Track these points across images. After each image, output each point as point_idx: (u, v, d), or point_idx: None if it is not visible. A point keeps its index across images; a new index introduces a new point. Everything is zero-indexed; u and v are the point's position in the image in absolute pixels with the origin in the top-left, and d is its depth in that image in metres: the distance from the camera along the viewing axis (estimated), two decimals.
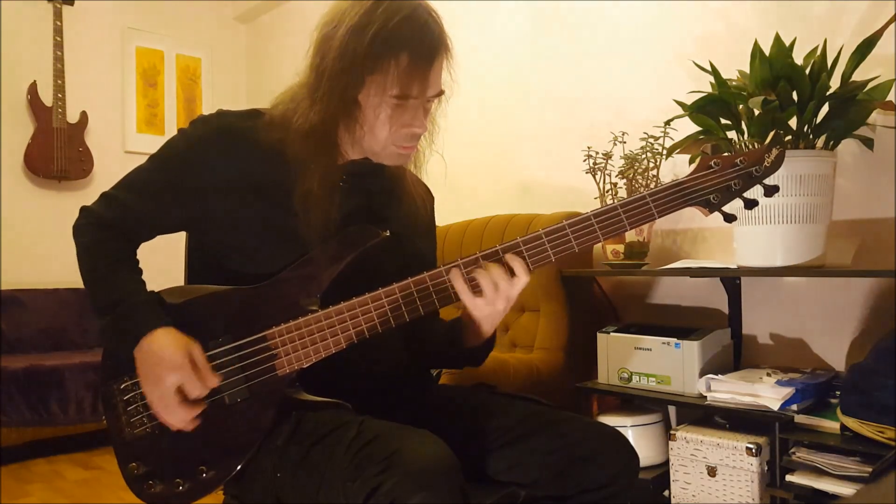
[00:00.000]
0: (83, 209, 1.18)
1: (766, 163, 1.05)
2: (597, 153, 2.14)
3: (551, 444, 1.09)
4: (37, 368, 2.88)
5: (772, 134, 1.60)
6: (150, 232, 1.19)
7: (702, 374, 1.78)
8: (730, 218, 1.07)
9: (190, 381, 1.03)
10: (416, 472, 0.87)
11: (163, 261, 1.48)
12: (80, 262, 1.14)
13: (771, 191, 1.06)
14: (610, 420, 1.87)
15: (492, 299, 1.04)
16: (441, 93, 1.11)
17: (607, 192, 2.13)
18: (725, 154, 1.08)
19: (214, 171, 1.12)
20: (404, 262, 1.20)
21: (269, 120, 1.13)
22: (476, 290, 1.05)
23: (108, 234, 1.15)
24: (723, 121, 1.69)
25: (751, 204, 1.06)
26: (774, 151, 1.05)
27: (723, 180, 1.05)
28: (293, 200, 1.11)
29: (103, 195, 1.18)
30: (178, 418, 1.04)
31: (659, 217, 1.05)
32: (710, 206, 1.05)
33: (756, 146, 1.64)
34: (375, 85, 1.05)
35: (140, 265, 1.19)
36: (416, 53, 1.04)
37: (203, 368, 1.05)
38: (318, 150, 1.10)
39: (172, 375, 1.02)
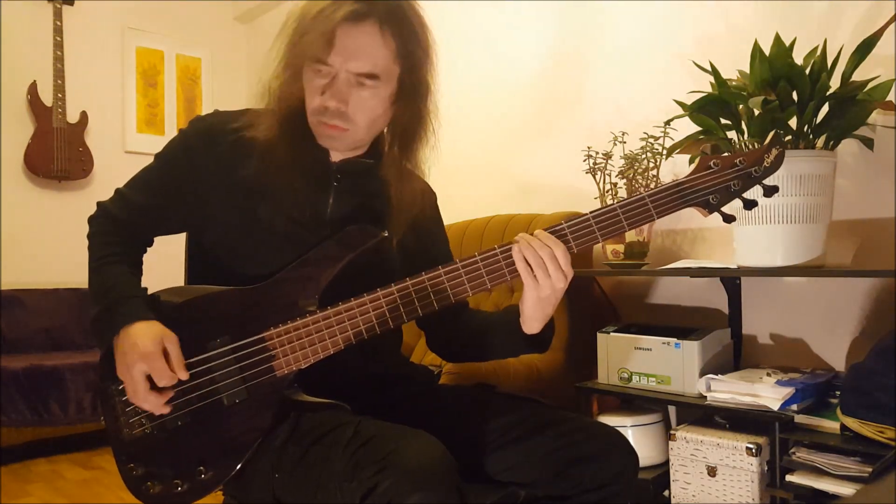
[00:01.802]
0: (98, 203, 1.22)
1: (765, 163, 1.04)
2: (597, 153, 2.14)
3: (551, 444, 1.09)
4: (37, 368, 2.88)
5: (771, 134, 1.59)
6: (154, 230, 1.22)
7: (702, 374, 1.78)
8: (729, 218, 1.06)
9: (157, 371, 1.04)
10: (412, 473, 0.87)
11: (163, 261, 1.48)
12: (88, 253, 1.18)
13: (770, 191, 1.06)
14: (610, 420, 1.87)
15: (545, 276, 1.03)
16: (372, 76, 1.06)
17: (607, 192, 2.12)
18: (725, 154, 1.07)
19: (207, 171, 1.14)
20: (402, 262, 1.19)
21: (252, 116, 1.14)
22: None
23: (112, 228, 1.18)
24: (723, 121, 1.69)
25: (750, 204, 1.05)
26: (774, 152, 1.05)
27: (722, 181, 1.04)
28: (288, 200, 1.11)
29: (116, 191, 1.22)
30: (149, 404, 1.06)
31: (658, 218, 1.05)
32: (710, 207, 1.04)
33: (756, 146, 1.64)
34: (303, 48, 1.05)
35: (142, 264, 1.22)
36: (323, 12, 1.02)
37: (174, 359, 1.06)
38: (285, 118, 1.11)
39: (140, 363, 1.04)
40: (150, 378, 1.05)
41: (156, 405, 1.06)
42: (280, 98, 1.10)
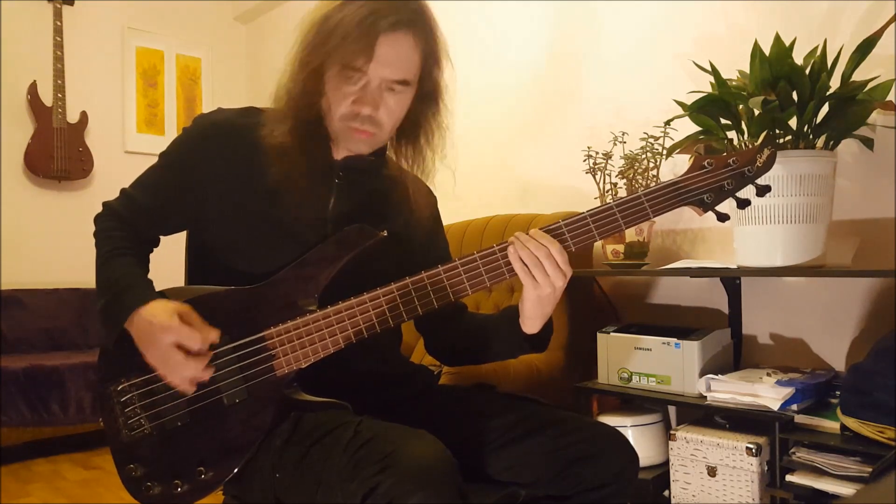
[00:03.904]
0: (104, 203, 1.22)
1: (758, 163, 1.06)
2: (597, 153, 2.14)
3: (551, 444, 1.09)
4: (37, 368, 2.88)
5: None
6: (158, 229, 1.23)
7: (702, 374, 1.78)
8: (723, 217, 1.08)
9: (185, 336, 1.03)
10: (413, 473, 0.87)
11: (163, 261, 1.48)
12: (95, 250, 1.18)
13: (763, 191, 1.07)
14: (610, 420, 1.87)
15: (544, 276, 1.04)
16: (404, 82, 1.08)
17: (607, 192, 2.12)
18: (718, 154, 1.08)
19: (211, 168, 1.14)
20: (402, 263, 1.19)
21: (266, 116, 1.14)
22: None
23: (116, 225, 1.18)
24: (723, 121, 1.69)
25: (743, 203, 1.07)
26: (766, 152, 1.06)
27: (716, 180, 1.06)
28: (291, 198, 1.11)
29: (121, 191, 1.22)
30: (187, 374, 1.04)
31: (654, 216, 1.06)
32: (704, 206, 1.06)
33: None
34: (332, 54, 1.05)
35: (149, 262, 1.23)
36: (364, 22, 1.02)
37: (197, 323, 1.05)
38: (299, 115, 1.10)
39: (166, 335, 1.02)
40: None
41: (197, 371, 1.04)
42: (296, 100, 1.10)
